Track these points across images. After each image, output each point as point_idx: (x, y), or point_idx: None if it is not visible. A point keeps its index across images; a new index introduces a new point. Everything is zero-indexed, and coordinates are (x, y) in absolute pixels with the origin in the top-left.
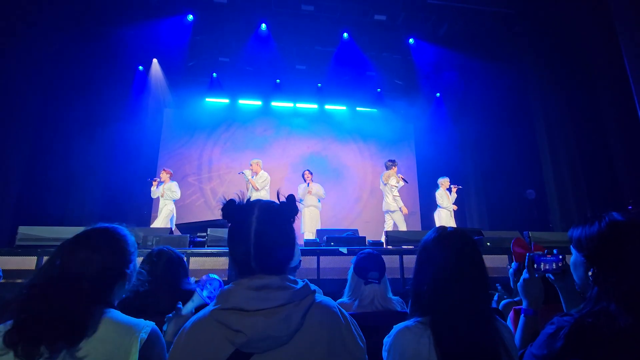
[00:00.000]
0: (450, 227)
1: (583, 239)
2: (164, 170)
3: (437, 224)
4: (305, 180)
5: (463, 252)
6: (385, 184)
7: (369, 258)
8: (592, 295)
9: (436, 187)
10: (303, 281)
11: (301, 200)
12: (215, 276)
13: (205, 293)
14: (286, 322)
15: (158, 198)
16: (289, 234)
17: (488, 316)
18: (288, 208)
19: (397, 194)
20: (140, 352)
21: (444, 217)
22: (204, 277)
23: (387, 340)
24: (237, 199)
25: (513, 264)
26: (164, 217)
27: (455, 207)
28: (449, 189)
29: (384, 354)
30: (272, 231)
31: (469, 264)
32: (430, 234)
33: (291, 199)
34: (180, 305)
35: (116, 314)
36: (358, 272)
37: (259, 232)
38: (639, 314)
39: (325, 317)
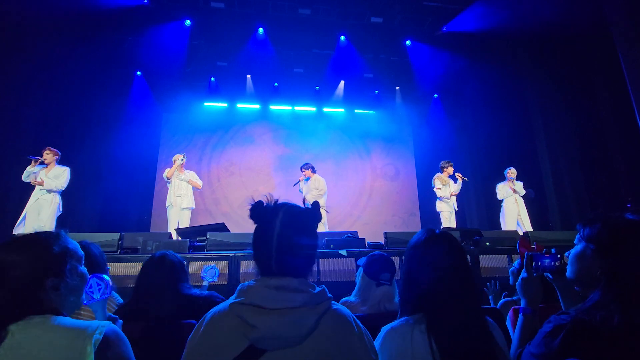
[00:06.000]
0: (438, 229)
1: (597, 231)
2: (48, 149)
3: (503, 223)
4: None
5: (451, 253)
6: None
7: (380, 260)
8: (601, 286)
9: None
10: (321, 287)
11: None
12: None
13: (97, 296)
14: (299, 323)
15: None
16: (311, 239)
17: (478, 313)
18: (312, 214)
19: (445, 196)
20: (96, 353)
21: (511, 208)
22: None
23: (376, 343)
24: (265, 201)
25: (515, 262)
26: (48, 216)
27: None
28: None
29: None
30: (295, 235)
31: (457, 265)
32: (419, 236)
33: (316, 205)
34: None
35: (64, 319)
36: (369, 274)
37: (281, 235)
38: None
39: (338, 325)
